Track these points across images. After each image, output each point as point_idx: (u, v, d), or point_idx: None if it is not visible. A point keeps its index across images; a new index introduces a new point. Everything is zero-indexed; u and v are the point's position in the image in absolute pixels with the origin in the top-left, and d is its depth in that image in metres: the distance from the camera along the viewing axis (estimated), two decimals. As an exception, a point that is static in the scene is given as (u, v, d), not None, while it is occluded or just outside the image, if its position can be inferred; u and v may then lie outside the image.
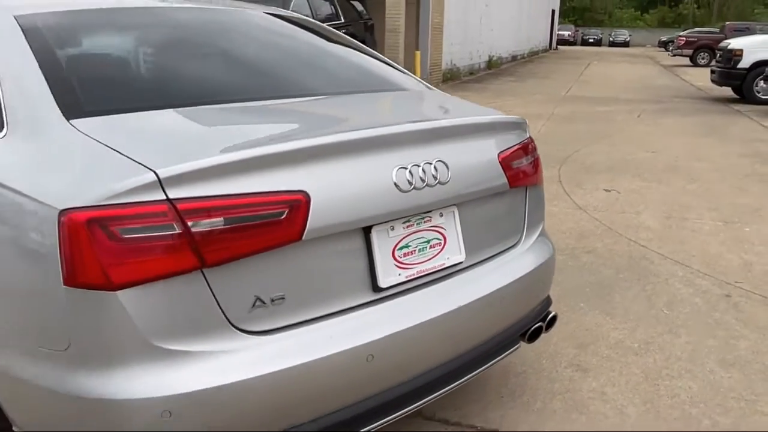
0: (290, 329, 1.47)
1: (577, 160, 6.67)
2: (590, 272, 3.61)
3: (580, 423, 2.23)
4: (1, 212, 1.46)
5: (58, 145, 1.51)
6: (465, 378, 1.84)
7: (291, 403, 1.46)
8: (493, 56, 22.12)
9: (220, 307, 1.38)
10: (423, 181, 1.65)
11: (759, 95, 12.20)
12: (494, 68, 21.65)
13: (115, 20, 2.14)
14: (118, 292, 1.30)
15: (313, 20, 3.02)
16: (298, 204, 1.43)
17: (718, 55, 13.59)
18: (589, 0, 65.53)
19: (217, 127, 1.66)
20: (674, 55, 29.41)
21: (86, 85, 1.75)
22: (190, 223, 1.33)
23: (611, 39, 55.72)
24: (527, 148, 2.07)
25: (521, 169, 2.01)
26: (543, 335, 2.18)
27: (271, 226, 1.41)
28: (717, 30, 29.59)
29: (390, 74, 2.45)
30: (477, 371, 1.88)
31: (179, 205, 1.32)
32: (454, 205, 1.78)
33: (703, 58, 26.97)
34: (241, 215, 1.37)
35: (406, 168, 1.62)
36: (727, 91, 13.20)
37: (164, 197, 1.32)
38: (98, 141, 1.46)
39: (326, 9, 11.10)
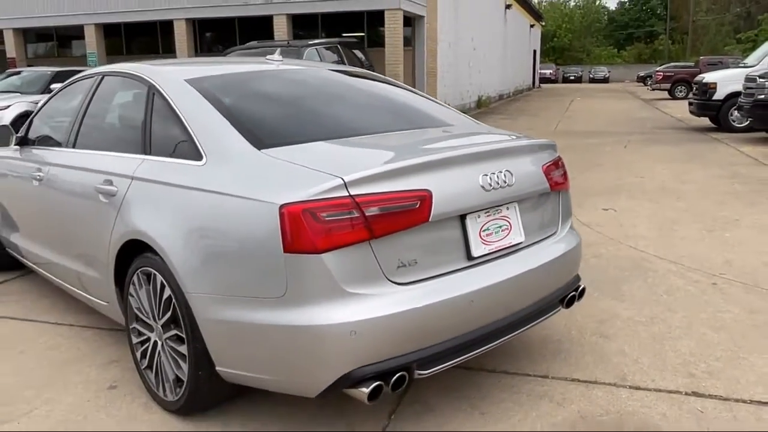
0: (421, 282, 2.21)
1: (575, 186, 7.48)
2: (599, 271, 4.36)
3: (606, 370, 2.94)
4: (229, 209, 2.20)
5: (259, 166, 2.27)
6: (528, 326, 2.57)
7: (423, 329, 2.18)
8: (482, 96, 23.28)
9: (380, 266, 2.12)
10: (498, 184, 2.41)
11: (734, 124, 13.20)
12: (484, 107, 22.76)
13: (259, 80, 2.94)
14: (322, 255, 2.03)
15: (386, 77, 3.85)
16: (425, 198, 2.19)
17: (695, 88, 14.68)
18: (567, 40, 67.93)
19: (361, 149, 2.44)
20: (653, 89, 30.77)
21: (259, 126, 2.52)
22: (364, 210, 2.07)
23: (591, 76, 57.70)
24: (558, 163, 2.85)
25: (556, 178, 2.78)
26: (576, 304, 2.92)
27: (410, 212, 2.16)
28: (692, 64, 31.12)
29: (453, 113, 3.26)
30: (535, 322, 2.61)
31: (357, 199, 2.07)
32: (516, 201, 2.55)
33: (680, 91, 28.30)
34: (393, 205, 2.12)
35: (487, 175, 2.38)
36: (705, 121, 14.23)
37: (347, 194, 2.07)
38: (290, 162, 2.22)
39: (333, 58, 12.04)
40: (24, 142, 3.99)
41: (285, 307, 2.09)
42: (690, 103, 14.65)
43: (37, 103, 11.55)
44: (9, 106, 11.36)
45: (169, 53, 17.64)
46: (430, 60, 16.33)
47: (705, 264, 4.47)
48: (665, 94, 29.01)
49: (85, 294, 3.29)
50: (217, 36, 18.01)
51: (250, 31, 16.89)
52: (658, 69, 33.88)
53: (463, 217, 2.35)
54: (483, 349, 2.41)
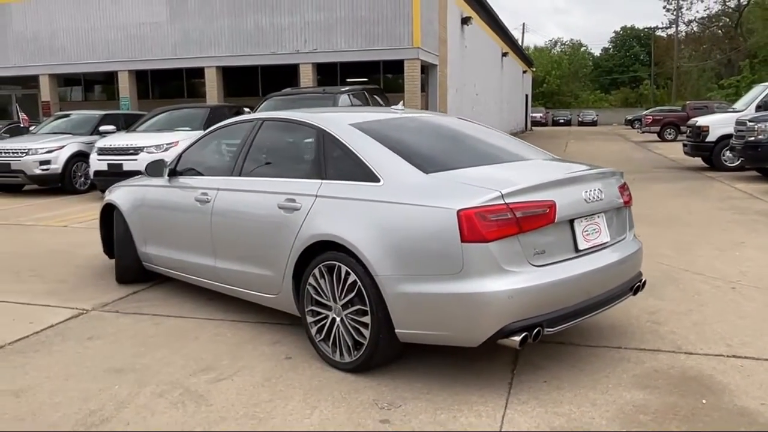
0: (549, 265, 3.14)
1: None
2: (638, 279, 5.30)
3: (664, 343, 3.86)
4: (413, 215, 3.14)
5: (431, 185, 3.22)
6: (614, 303, 3.51)
7: (550, 298, 3.10)
8: (485, 138, 24.52)
9: (524, 252, 3.06)
10: (594, 198, 3.38)
11: (726, 163, 14.40)
12: (486, 149, 23.95)
13: (398, 123, 3.94)
14: (489, 243, 2.97)
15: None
16: (552, 206, 3.14)
17: (688, 131, 15.94)
18: (556, 85, 70.38)
19: (499, 173, 3.41)
20: (643, 132, 32.34)
21: (417, 156, 3.49)
22: (515, 213, 3.02)
23: (580, 119, 59.78)
24: (625, 186, 3.84)
25: (625, 197, 3.76)
26: (639, 294, 3.86)
27: (542, 215, 3.10)
28: (679, 108, 32.81)
29: (538, 148, 4.26)
30: (618, 301, 3.56)
31: (510, 205, 3.02)
32: (603, 212, 3.51)
33: (669, 134, 29.85)
34: (532, 210, 3.07)
35: (587, 191, 3.35)
36: (698, 161, 15.44)
37: (504, 202, 3.02)
38: (454, 181, 3.18)
39: (359, 103, 13.12)
40: (173, 173, 4.91)
41: (460, 280, 3.01)
42: (684, 145, 15.88)
43: (89, 143, 12.45)
44: (64, 146, 12.27)
45: (195, 97, 18.78)
46: (441, 104, 17.58)
47: (723, 274, 5.43)
48: (654, 137, 30.51)
49: (248, 291, 4.18)
50: (241, 82, 19.20)
51: (272, 78, 18.05)
52: (646, 113, 35.64)
53: (572, 221, 3.31)
54: (588, 316, 3.33)
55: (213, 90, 17.02)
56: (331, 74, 17.99)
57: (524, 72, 43.01)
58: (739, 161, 13.41)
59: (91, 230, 8.33)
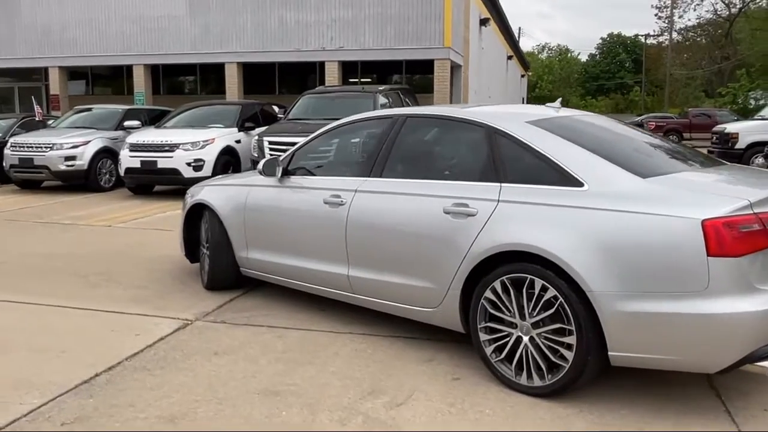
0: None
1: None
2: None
3: None
4: (642, 224, 2.79)
5: (655, 191, 2.88)
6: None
7: None
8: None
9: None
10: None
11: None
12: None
13: (572, 123, 3.60)
14: (740, 258, 2.64)
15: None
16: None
17: (714, 137, 15.85)
18: (549, 90, 70.68)
19: (715, 180, 3.09)
20: (645, 138, 32.30)
21: (620, 157, 3.15)
22: (765, 224, 2.69)
23: (573, 124, 59.77)
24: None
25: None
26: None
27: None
28: (671, 115, 32.95)
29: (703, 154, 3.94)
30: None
31: (760, 216, 2.69)
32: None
33: (674, 141, 29.90)
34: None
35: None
36: (726, 168, 15.31)
37: (753, 212, 2.69)
38: (686, 188, 2.85)
39: (395, 103, 12.78)
40: (286, 173, 4.52)
41: (705, 299, 2.67)
42: (710, 152, 15.76)
43: (114, 139, 11.94)
44: (89, 142, 11.74)
45: (210, 94, 18.27)
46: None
47: None
48: (658, 143, 30.50)
49: (392, 303, 3.81)
50: (258, 79, 18.72)
51: (290, 75, 17.61)
52: (640, 119, 35.81)
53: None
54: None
55: (234, 86, 16.52)
56: (352, 74, 17.62)
57: (522, 76, 43.00)
58: (775, 168, 13.31)
59: (140, 231, 7.90)
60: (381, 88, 12.00)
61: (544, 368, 3.11)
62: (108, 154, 11.85)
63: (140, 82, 17.47)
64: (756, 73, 40.67)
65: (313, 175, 4.45)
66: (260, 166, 4.64)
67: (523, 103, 47.02)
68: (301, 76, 16.72)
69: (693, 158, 3.64)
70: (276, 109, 13.11)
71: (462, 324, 3.49)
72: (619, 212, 2.90)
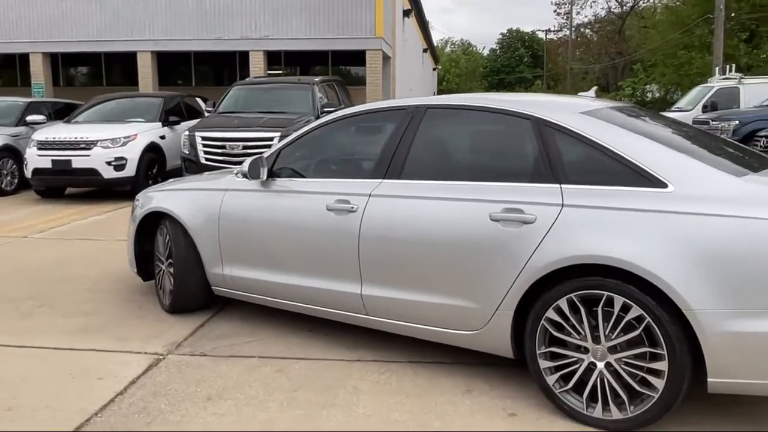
0: None
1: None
2: None
3: None
4: (743, 231, 2.42)
5: (755, 191, 2.52)
6: None
7: None
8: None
9: None
10: None
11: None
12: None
13: (619, 114, 3.16)
14: None
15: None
16: None
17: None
18: (455, 84, 71.78)
19: None
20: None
21: (699, 154, 2.76)
22: None
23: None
24: None
25: None
26: None
27: None
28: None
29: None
30: None
31: None
32: None
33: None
34: None
35: None
36: None
37: None
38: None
39: (331, 94, 12.13)
40: (271, 174, 3.86)
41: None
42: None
43: (15, 135, 10.63)
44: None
45: (117, 85, 16.72)
46: (392, 97, 16.85)
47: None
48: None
49: (421, 326, 3.27)
50: (172, 69, 17.34)
51: (208, 65, 16.46)
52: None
53: None
54: None
55: (147, 78, 15.16)
56: (276, 64, 16.68)
57: (434, 69, 43.22)
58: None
59: (65, 241, 6.88)
60: (317, 80, 11.31)
61: (625, 398, 2.68)
62: (9, 153, 10.46)
63: (39, 72, 15.69)
64: (650, 69, 43.10)
65: (305, 176, 3.81)
66: (243, 167, 3.94)
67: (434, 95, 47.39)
68: (218, 66, 15.64)
69: (751, 155, 3.33)
70: (201, 102, 12.12)
71: (513, 349, 3.01)
72: (717, 217, 2.50)
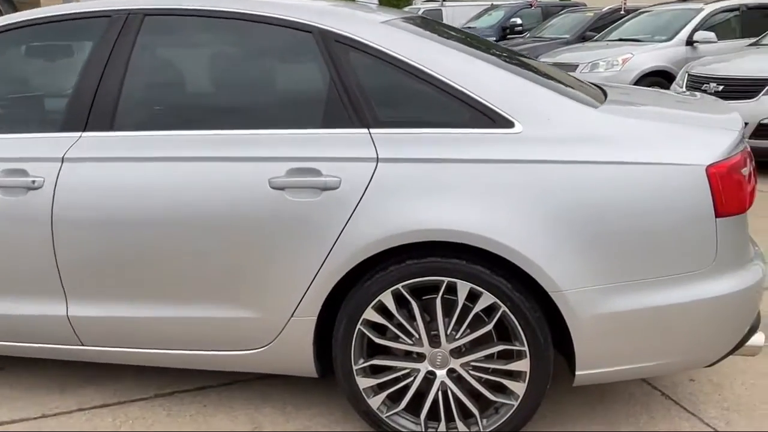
0: None
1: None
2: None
3: None
4: (620, 179, 1.83)
5: (620, 127, 1.93)
6: None
7: None
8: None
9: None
10: None
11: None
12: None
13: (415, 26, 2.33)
14: (743, 216, 1.90)
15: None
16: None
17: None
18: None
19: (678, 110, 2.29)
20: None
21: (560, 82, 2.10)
22: (750, 165, 1.99)
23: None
24: None
25: None
26: None
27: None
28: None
29: None
30: None
31: (747, 153, 1.98)
32: None
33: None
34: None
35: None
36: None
37: (745, 146, 1.96)
38: (658, 119, 1.98)
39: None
40: None
41: (711, 278, 1.88)
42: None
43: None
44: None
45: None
46: None
47: None
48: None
49: (167, 351, 2.18)
50: None
51: None
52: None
53: None
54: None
55: None
56: None
57: None
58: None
59: None
60: None
61: (476, 412, 2.01)
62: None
63: None
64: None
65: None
66: None
67: None
68: None
69: (583, 84, 2.73)
70: None
71: (315, 365, 2.12)
72: (579, 164, 1.86)
